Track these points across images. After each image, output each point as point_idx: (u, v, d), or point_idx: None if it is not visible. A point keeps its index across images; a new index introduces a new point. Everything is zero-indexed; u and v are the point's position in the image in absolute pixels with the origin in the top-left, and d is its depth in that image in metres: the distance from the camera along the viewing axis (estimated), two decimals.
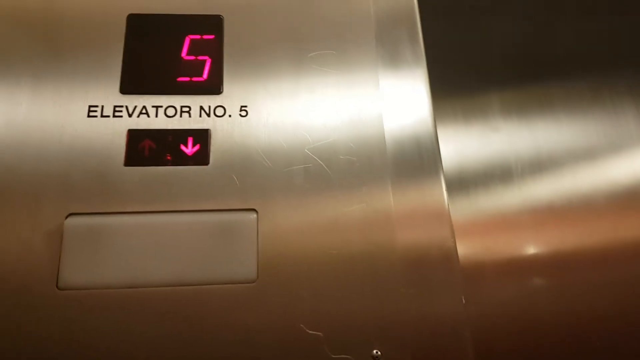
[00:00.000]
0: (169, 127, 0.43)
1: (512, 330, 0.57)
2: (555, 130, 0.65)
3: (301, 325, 0.39)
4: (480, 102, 0.65)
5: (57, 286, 0.38)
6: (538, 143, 0.64)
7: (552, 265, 0.61)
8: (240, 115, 0.44)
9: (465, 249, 0.60)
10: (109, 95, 0.44)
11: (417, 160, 0.45)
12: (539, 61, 0.69)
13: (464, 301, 0.41)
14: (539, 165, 0.64)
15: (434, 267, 0.42)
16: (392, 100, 0.47)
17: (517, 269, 0.60)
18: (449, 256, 0.42)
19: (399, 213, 0.43)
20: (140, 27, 0.46)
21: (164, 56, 0.46)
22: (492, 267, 0.60)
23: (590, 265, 0.62)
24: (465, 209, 0.62)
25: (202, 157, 0.43)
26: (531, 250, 0.61)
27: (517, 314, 0.58)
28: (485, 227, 0.62)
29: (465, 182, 0.62)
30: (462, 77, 0.66)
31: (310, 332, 0.39)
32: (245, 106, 0.45)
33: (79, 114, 0.43)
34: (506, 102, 0.65)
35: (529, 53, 0.69)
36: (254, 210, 0.42)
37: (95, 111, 0.43)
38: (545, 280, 0.60)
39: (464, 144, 0.64)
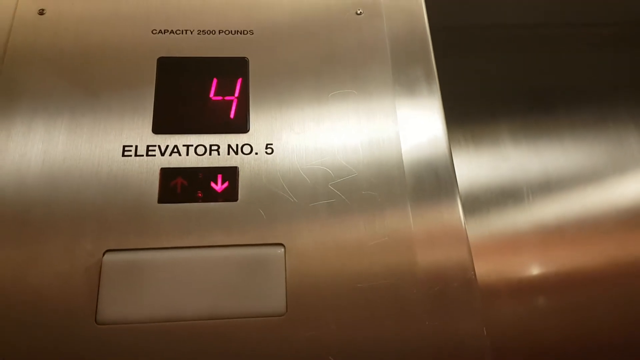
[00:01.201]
0: (199, 165, 0.44)
1: (524, 351, 0.57)
2: (563, 157, 0.66)
3: (330, 357, 0.39)
4: (491, 131, 0.66)
5: (95, 321, 0.39)
6: (547, 168, 0.65)
7: (562, 285, 0.61)
8: (267, 153, 0.45)
9: (477, 269, 0.60)
10: (142, 135, 0.45)
11: (435, 187, 0.46)
12: (547, 93, 0.70)
13: (484, 329, 0.42)
14: (548, 189, 0.65)
15: (454, 291, 0.42)
16: (410, 134, 0.47)
17: (529, 289, 0.61)
18: (469, 280, 0.43)
19: (420, 241, 0.44)
20: (170, 70, 0.47)
21: (193, 97, 0.46)
22: (504, 287, 0.60)
23: (599, 284, 0.62)
24: (478, 231, 0.62)
25: (231, 194, 0.44)
26: (541, 270, 0.61)
27: (529, 334, 0.59)
28: (498, 249, 0.63)
29: (477, 205, 0.63)
30: (474, 108, 0.67)
31: None
32: (271, 144, 0.46)
33: (114, 153, 0.44)
34: (516, 130, 0.66)
35: (537, 85, 0.70)
36: (281, 244, 0.42)
37: (130, 150, 0.44)
38: (555, 300, 0.61)
39: (476, 169, 0.65)
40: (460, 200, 0.46)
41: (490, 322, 0.58)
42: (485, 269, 0.60)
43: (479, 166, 0.65)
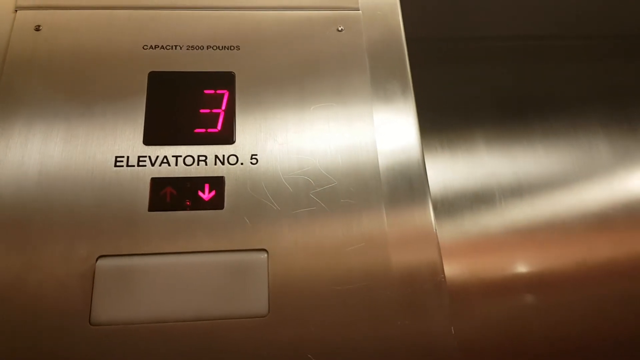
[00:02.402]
0: (188, 175, 0.46)
1: (496, 349, 0.59)
2: (534, 162, 0.68)
3: (309, 355, 0.41)
4: (466, 138, 0.68)
5: (89, 322, 0.41)
6: (518, 173, 0.67)
7: (532, 285, 0.63)
8: (251, 163, 0.47)
9: (451, 270, 0.62)
10: (134, 146, 0.46)
11: (408, 196, 0.47)
12: (521, 102, 0.72)
13: (452, 325, 0.44)
14: (520, 194, 0.66)
15: (424, 292, 0.44)
16: (386, 144, 0.49)
17: (500, 288, 0.63)
18: (438, 282, 0.45)
19: (393, 245, 0.45)
20: (160, 84, 0.49)
21: (182, 109, 0.48)
22: (476, 287, 0.62)
23: (567, 284, 0.64)
24: (451, 232, 0.64)
25: (217, 202, 0.45)
26: (512, 270, 0.63)
27: (501, 332, 0.60)
28: (470, 249, 0.64)
29: (452, 208, 0.65)
30: (449, 116, 0.69)
31: None
32: (256, 154, 0.47)
33: (107, 164, 0.45)
34: (490, 137, 0.68)
35: (511, 95, 0.72)
36: (264, 250, 0.44)
37: (122, 161, 0.46)
38: (526, 300, 0.62)
39: (451, 174, 0.67)
40: (432, 204, 0.48)
41: (463, 321, 0.60)
42: (459, 270, 0.62)
43: (454, 171, 0.66)
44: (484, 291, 0.62)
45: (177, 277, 0.42)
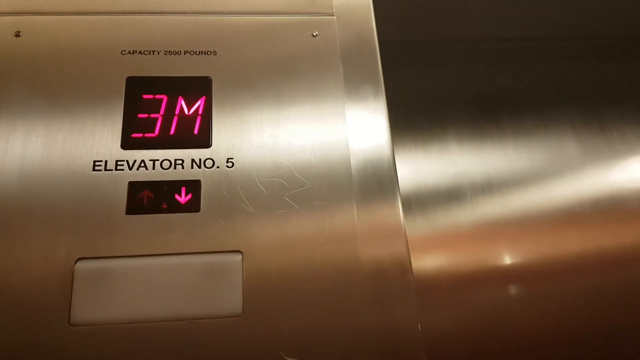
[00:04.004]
0: (165, 178, 0.46)
1: (466, 343, 0.61)
2: (504, 160, 0.69)
3: (281, 353, 0.42)
4: (438, 136, 0.69)
5: (69, 322, 0.41)
6: (489, 171, 0.68)
7: (502, 279, 0.64)
8: (227, 167, 0.47)
9: (423, 265, 0.63)
10: (112, 150, 0.47)
11: (380, 199, 0.48)
12: (492, 102, 0.72)
13: (417, 316, 0.45)
14: (490, 190, 0.67)
15: (392, 289, 0.45)
16: (358, 147, 0.50)
17: (471, 283, 0.64)
18: (406, 280, 0.46)
19: (363, 244, 0.46)
20: (138, 88, 0.49)
21: (159, 114, 0.48)
22: (447, 281, 0.63)
23: (536, 278, 0.65)
24: (424, 228, 0.65)
25: (194, 205, 0.46)
26: (483, 265, 0.64)
27: (471, 326, 0.62)
28: (442, 245, 0.65)
29: (425, 205, 0.66)
30: (422, 116, 0.70)
31: (289, 358, 0.42)
32: (232, 158, 0.48)
33: (85, 168, 0.46)
34: (462, 136, 0.69)
35: (482, 96, 0.73)
36: (239, 251, 0.45)
37: (100, 165, 0.46)
38: (495, 293, 0.64)
39: (423, 170, 0.68)
40: (405, 202, 0.48)
41: (434, 314, 0.61)
42: (431, 265, 0.63)
43: (427, 170, 0.67)
44: (454, 285, 0.63)
45: (154, 279, 0.43)
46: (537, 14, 0.82)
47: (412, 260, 0.47)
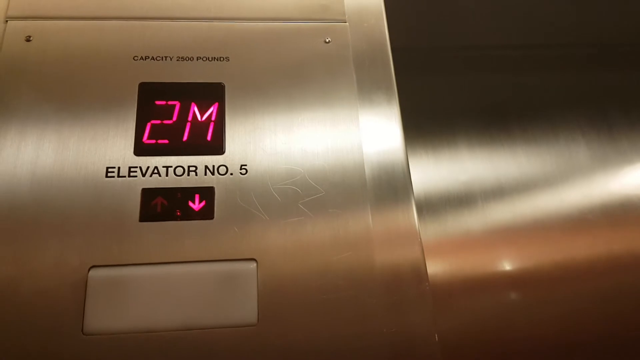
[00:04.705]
0: (178, 185, 0.46)
1: (478, 345, 0.60)
2: (515, 167, 0.69)
3: None
4: (449, 142, 0.69)
5: (82, 332, 0.40)
6: (500, 177, 0.68)
7: (513, 284, 0.64)
8: (241, 174, 0.47)
9: (435, 270, 0.63)
10: (125, 156, 0.46)
11: (393, 207, 0.47)
12: (502, 110, 0.72)
13: (434, 323, 0.44)
14: (501, 196, 0.67)
15: (408, 299, 0.45)
16: (372, 153, 0.49)
17: (482, 287, 0.63)
18: (422, 289, 0.45)
19: (379, 252, 0.46)
20: (150, 94, 0.48)
21: (172, 120, 0.48)
22: (459, 285, 0.63)
23: (546, 283, 0.65)
24: (435, 233, 0.65)
25: (207, 212, 0.45)
26: (494, 270, 0.64)
27: (483, 329, 0.61)
28: (454, 250, 0.65)
29: (436, 210, 0.65)
30: (432, 122, 0.69)
31: None
32: (245, 165, 0.47)
33: (98, 175, 0.45)
34: (472, 143, 0.69)
35: (493, 103, 0.72)
36: (253, 259, 0.44)
37: (113, 172, 0.45)
38: (506, 297, 0.63)
39: (435, 176, 0.67)
40: (417, 208, 0.48)
41: (446, 318, 0.60)
42: (443, 270, 0.62)
43: (438, 176, 0.67)
44: (466, 290, 0.63)
45: (167, 287, 0.42)
46: (548, 22, 0.81)
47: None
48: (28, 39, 0.49)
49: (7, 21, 0.50)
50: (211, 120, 0.48)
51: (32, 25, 0.50)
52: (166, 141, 0.47)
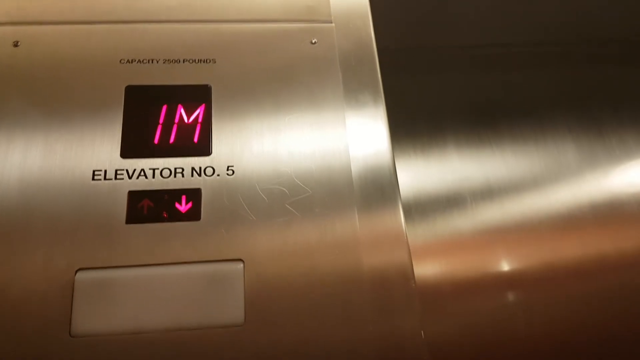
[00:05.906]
0: (165, 187, 0.46)
1: (467, 348, 0.60)
2: (503, 166, 0.69)
3: None
4: (437, 142, 0.69)
5: (70, 334, 0.40)
6: (489, 177, 0.68)
7: (502, 285, 0.64)
8: (227, 175, 0.47)
9: (424, 271, 0.62)
10: (111, 159, 0.46)
11: (380, 205, 0.48)
12: (491, 109, 0.72)
13: (421, 323, 0.44)
14: (490, 196, 0.67)
15: (395, 298, 0.45)
16: (359, 153, 0.49)
17: (471, 288, 0.63)
18: (409, 288, 0.45)
19: (366, 252, 0.45)
20: (137, 97, 0.48)
21: (159, 122, 0.48)
22: (448, 287, 0.63)
23: (536, 284, 0.65)
24: (424, 234, 0.65)
25: (194, 214, 0.45)
26: (483, 270, 0.64)
27: (472, 331, 0.61)
28: (443, 251, 0.65)
29: (425, 211, 0.65)
30: (421, 123, 0.69)
31: None
32: (232, 166, 0.47)
33: (85, 178, 0.45)
34: (461, 143, 0.69)
35: (481, 102, 0.72)
36: (240, 260, 0.44)
37: (99, 175, 0.45)
38: (495, 299, 0.63)
39: (423, 176, 0.67)
40: (405, 208, 0.48)
41: (435, 320, 0.60)
42: (432, 271, 0.62)
43: (427, 176, 0.67)
44: (455, 292, 0.63)
45: (155, 289, 0.42)
46: (534, 20, 0.82)
47: (414, 267, 0.47)
48: (16, 44, 0.49)
49: None
50: (198, 122, 0.48)
51: (19, 31, 0.50)
52: (153, 143, 0.47)
